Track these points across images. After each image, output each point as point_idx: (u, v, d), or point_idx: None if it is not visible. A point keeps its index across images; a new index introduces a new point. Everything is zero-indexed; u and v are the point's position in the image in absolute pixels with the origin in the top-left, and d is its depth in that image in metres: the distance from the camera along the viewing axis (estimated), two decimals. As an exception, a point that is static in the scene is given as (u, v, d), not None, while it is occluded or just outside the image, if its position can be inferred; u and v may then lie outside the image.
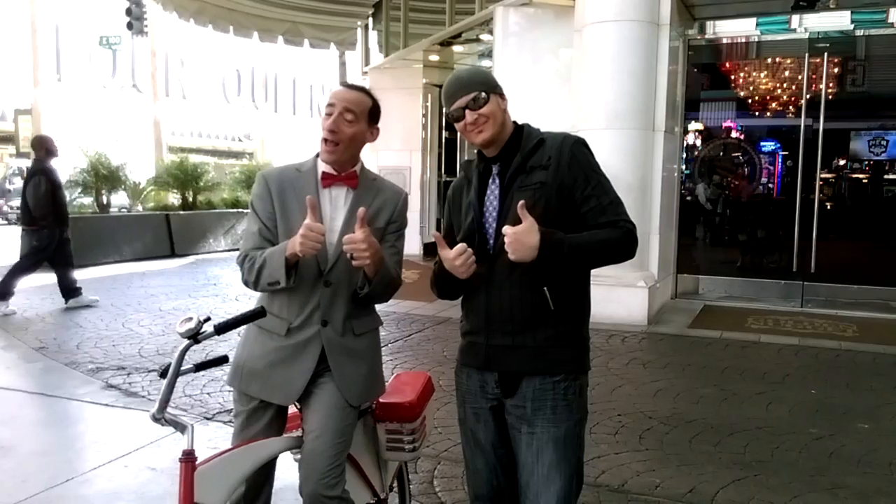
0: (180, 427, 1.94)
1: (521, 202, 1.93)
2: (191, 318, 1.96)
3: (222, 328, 2.01)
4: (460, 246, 1.99)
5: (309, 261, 2.19)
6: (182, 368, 1.98)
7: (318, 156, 2.31)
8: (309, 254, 2.09)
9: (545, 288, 1.99)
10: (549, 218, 1.96)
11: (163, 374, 1.98)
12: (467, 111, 2.05)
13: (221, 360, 2.16)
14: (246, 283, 2.27)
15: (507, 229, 1.92)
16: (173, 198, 14.65)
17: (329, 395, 2.23)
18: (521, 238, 1.89)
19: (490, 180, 2.11)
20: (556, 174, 2.01)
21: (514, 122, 2.15)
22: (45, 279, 9.96)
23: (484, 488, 2.17)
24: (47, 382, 5.31)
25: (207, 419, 4.45)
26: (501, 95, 2.10)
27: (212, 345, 5.33)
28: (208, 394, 4.93)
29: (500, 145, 2.09)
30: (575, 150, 2.05)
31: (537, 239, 1.89)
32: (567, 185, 2.01)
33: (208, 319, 1.98)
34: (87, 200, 12.89)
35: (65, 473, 3.67)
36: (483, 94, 2.04)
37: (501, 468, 2.14)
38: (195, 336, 1.96)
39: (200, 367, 2.10)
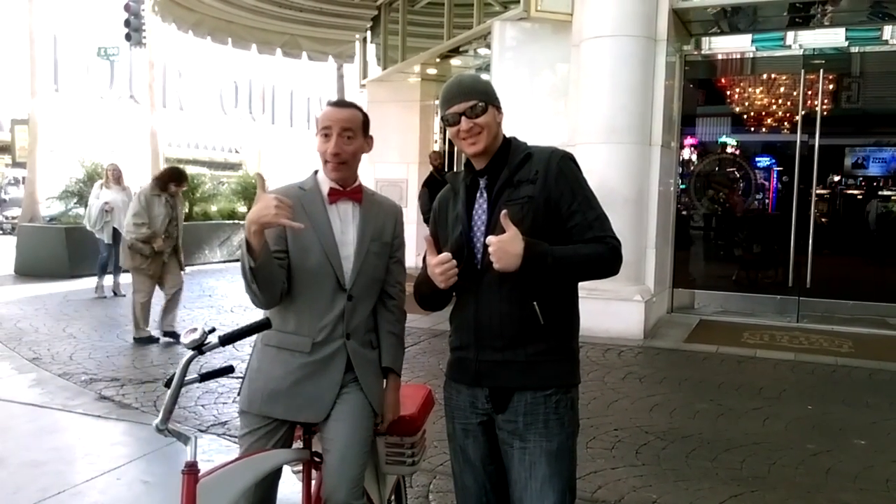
0: (183, 438, 1.91)
1: (504, 211, 1.94)
2: (195, 329, 1.94)
3: (227, 339, 1.99)
4: (445, 255, 1.99)
5: (328, 276, 2.21)
6: (186, 379, 1.96)
7: (316, 173, 2.34)
8: (272, 220, 2.01)
9: (535, 303, 1.99)
10: (535, 232, 1.96)
11: (167, 385, 1.96)
12: (463, 118, 2.04)
13: (226, 371, 2.13)
14: (258, 304, 2.18)
15: (490, 238, 1.93)
16: (169, 208, 14.60)
17: (353, 405, 2.23)
18: (506, 247, 1.89)
19: (477, 194, 2.11)
20: (543, 188, 2.01)
21: (503, 136, 2.15)
22: (38, 289, 9.94)
23: None
24: (40, 393, 5.27)
25: (202, 431, 4.42)
26: (498, 108, 2.10)
27: (204, 357, 5.31)
28: (202, 406, 4.90)
29: (489, 158, 2.10)
30: (562, 165, 2.04)
31: (521, 248, 1.89)
32: (553, 199, 2.01)
33: (213, 330, 1.96)
34: (84, 211, 12.86)
35: (57, 485, 3.63)
36: (481, 104, 2.04)
37: (491, 485, 2.13)
38: (200, 347, 1.94)
39: (205, 377, 2.07)
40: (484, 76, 11.90)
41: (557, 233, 2.01)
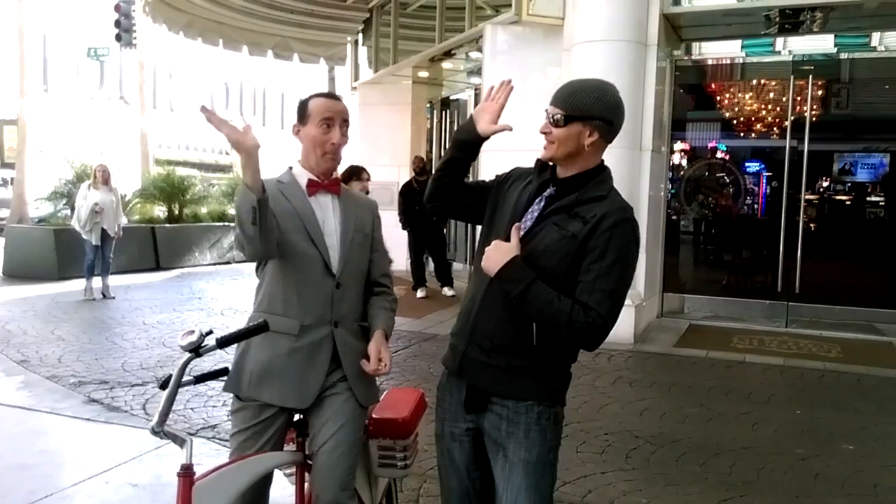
0: (179, 441, 1.91)
1: (517, 224, 1.96)
2: (192, 332, 1.93)
3: (224, 342, 1.99)
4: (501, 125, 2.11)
5: (316, 260, 2.26)
6: (182, 381, 1.96)
7: (291, 168, 2.40)
8: (236, 138, 2.03)
9: (534, 323, 1.95)
10: (561, 269, 1.93)
11: (162, 386, 1.95)
12: (546, 119, 2.02)
13: (222, 373, 2.13)
14: (253, 252, 2.16)
15: (495, 241, 1.96)
16: (159, 210, 14.55)
17: (341, 403, 2.26)
18: (496, 251, 1.93)
19: (539, 198, 2.06)
20: (587, 235, 1.93)
21: (601, 162, 2.06)
22: (26, 291, 9.88)
23: None
24: (28, 396, 5.23)
25: (191, 434, 4.39)
26: (592, 129, 1.97)
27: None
28: (192, 409, 4.88)
29: (569, 173, 2.03)
30: (616, 226, 1.94)
31: (505, 261, 1.91)
32: (588, 248, 1.93)
33: (210, 333, 1.96)
34: (72, 212, 12.78)
35: (45, 489, 3.61)
36: (560, 117, 1.97)
37: (475, 491, 2.13)
38: (197, 350, 1.93)
39: (201, 379, 2.07)
40: (475, 79, 11.69)
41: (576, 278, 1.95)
